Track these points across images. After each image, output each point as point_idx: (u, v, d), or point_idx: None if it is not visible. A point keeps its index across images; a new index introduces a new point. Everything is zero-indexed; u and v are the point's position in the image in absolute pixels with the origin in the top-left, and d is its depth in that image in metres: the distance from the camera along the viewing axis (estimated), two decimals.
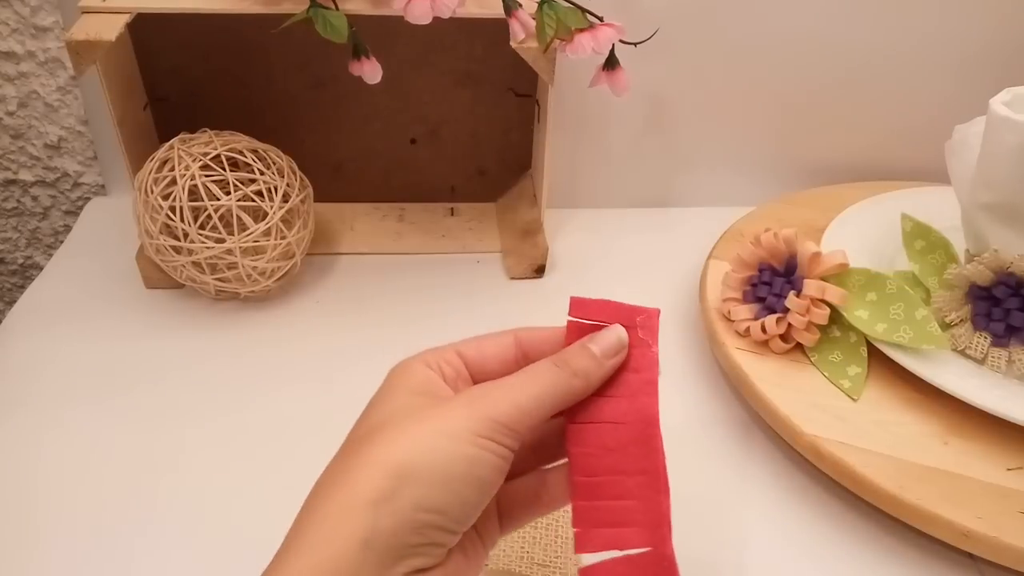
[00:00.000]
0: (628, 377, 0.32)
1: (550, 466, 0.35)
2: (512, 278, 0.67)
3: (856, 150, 0.77)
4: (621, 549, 0.31)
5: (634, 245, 0.73)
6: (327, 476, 0.30)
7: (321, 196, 0.64)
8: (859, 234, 0.62)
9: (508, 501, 0.34)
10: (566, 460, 0.33)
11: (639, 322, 0.33)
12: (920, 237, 0.60)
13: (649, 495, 0.31)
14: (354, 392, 0.56)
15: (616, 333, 0.32)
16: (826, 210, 0.66)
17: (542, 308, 0.65)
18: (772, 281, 0.55)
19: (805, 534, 0.48)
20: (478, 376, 0.33)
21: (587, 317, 0.33)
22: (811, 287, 0.52)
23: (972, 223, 0.55)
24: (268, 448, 0.52)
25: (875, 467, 0.46)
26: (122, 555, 0.46)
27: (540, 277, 0.68)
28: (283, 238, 0.58)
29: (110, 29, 0.53)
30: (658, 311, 0.33)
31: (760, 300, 0.55)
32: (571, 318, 0.33)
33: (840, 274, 0.53)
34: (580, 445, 0.32)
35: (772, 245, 0.55)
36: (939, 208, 0.62)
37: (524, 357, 0.33)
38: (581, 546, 0.31)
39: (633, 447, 0.32)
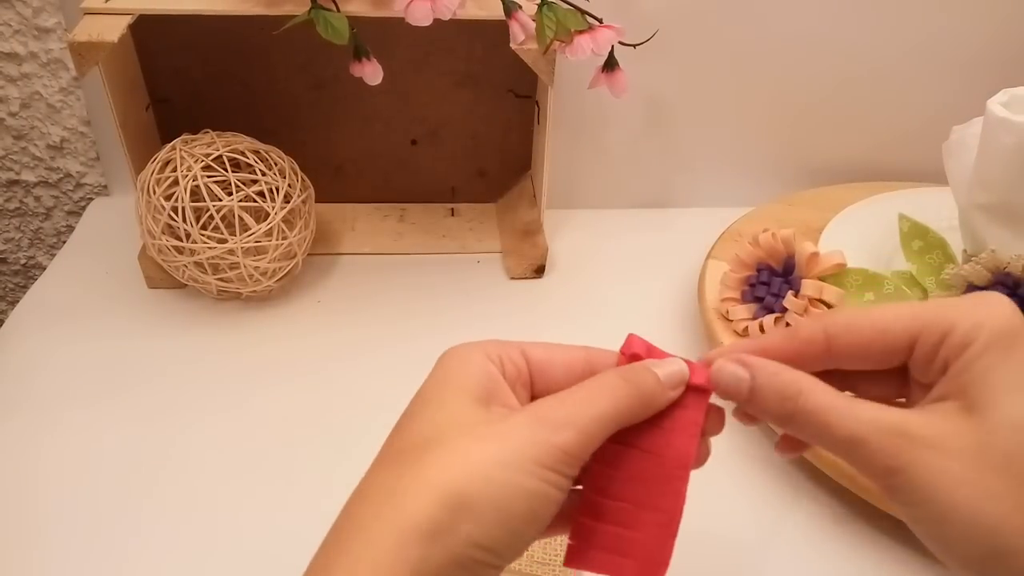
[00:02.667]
0: (674, 411, 0.31)
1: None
2: (512, 278, 0.68)
3: (854, 151, 0.77)
4: None
5: (633, 245, 0.73)
6: (375, 490, 0.28)
7: (322, 196, 0.65)
8: (857, 234, 0.63)
9: None
10: None
11: (695, 366, 0.31)
12: (917, 237, 0.60)
13: (657, 534, 0.30)
14: (355, 391, 0.57)
15: (679, 364, 0.31)
16: (824, 210, 0.66)
17: (542, 308, 0.65)
18: (770, 281, 0.55)
19: (802, 532, 0.48)
20: (539, 381, 0.32)
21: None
22: (809, 287, 0.52)
23: (969, 223, 0.55)
24: (270, 447, 0.53)
25: None
26: (125, 554, 0.46)
27: (540, 277, 0.68)
28: (284, 238, 0.58)
29: (112, 30, 0.53)
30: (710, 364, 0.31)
31: (758, 300, 0.56)
32: (624, 354, 0.32)
33: (838, 274, 0.54)
34: (603, 463, 0.31)
35: (770, 245, 0.55)
36: (936, 208, 0.62)
37: (591, 375, 0.32)
38: (571, 561, 0.31)
39: (657, 482, 0.30)
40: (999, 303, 0.27)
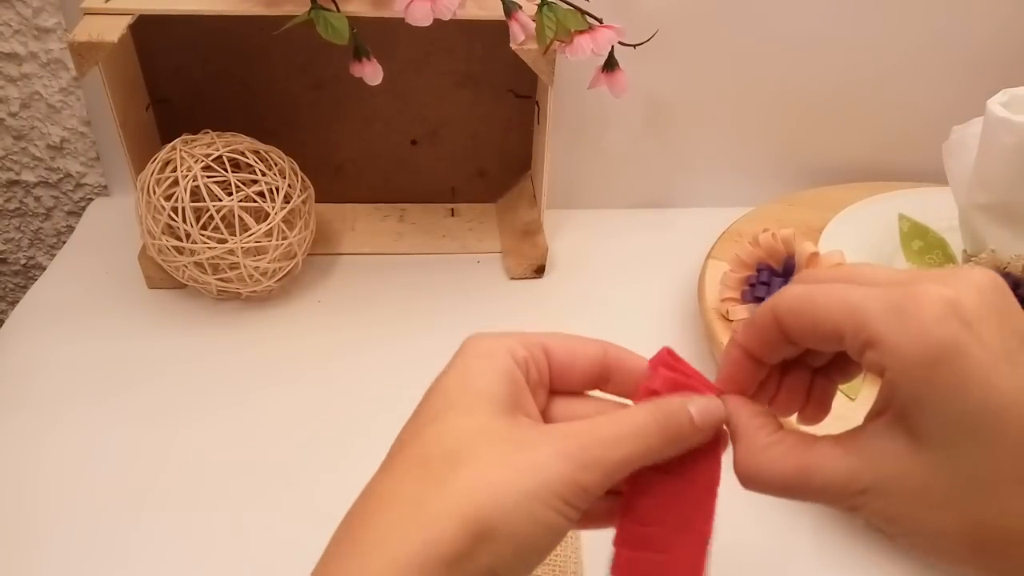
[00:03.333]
0: (700, 453, 0.31)
1: None
2: (512, 278, 0.68)
3: (854, 151, 0.77)
4: None
5: (633, 245, 0.73)
6: (398, 500, 0.27)
7: (322, 197, 0.65)
8: (857, 234, 0.63)
9: None
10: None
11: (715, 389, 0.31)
12: (917, 237, 0.60)
13: (693, 555, 0.30)
14: (356, 391, 0.57)
15: (714, 404, 0.30)
16: (824, 210, 0.66)
17: (542, 308, 0.65)
18: (770, 281, 0.55)
19: (802, 533, 0.48)
20: (558, 379, 0.31)
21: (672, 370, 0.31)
22: None
23: (969, 223, 0.55)
24: (269, 447, 0.53)
25: None
26: (125, 554, 0.46)
27: (540, 277, 0.68)
28: (284, 238, 0.58)
29: (112, 30, 0.53)
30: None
31: (758, 300, 0.56)
32: (660, 368, 0.31)
33: None
34: (638, 492, 0.31)
35: (770, 245, 0.55)
36: (936, 208, 0.63)
37: (606, 375, 0.32)
38: None
39: (690, 505, 0.31)
40: (921, 313, 0.24)
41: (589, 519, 0.31)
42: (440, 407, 0.29)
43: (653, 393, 0.30)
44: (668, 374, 0.31)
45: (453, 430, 0.28)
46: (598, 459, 0.27)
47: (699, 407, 0.29)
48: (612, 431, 0.28)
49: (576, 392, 0.32)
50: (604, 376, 0.32)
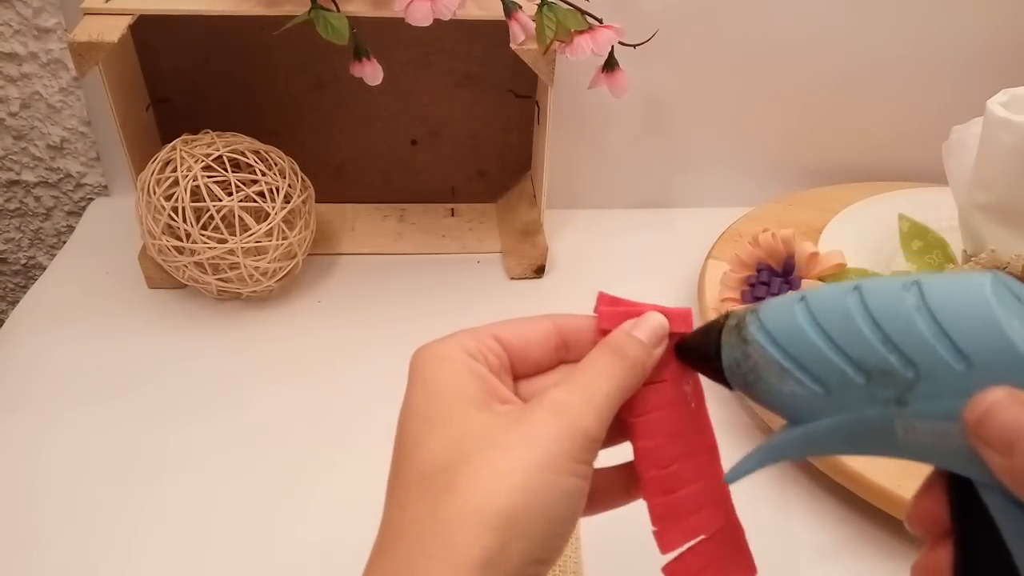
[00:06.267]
0: (667, 357, 0.31)
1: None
2: (512, 278, 0.68)
3: (854, 151, 0.77)
4: (704, 534, 0.30)
5: (633, 245, 0.73)
6: (414, 527, 0.26)
7: (322, 197, 0.65)
8: (857, 234, 0.63)
9: None
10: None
11: (669, 313, 0.31)
12: (917, 237, 0.60)
13: (711, 472, 0.31)
14: (356, 391, 0.57)
15: (657, 319, 0.31)
16: (824, 211, 0.66)
17: (542, 308, 0.64)
18: (770, 281, 0.55)
19: (804, 532, 0.48)
20: (519, 364, 0.31)
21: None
22: (809, 287, 0.52)
23: (969, 223, 0.55)
24: (270, 447, 0.52)
25: (874, 466, 0.47)
26: (125, 554, 0.46)
27: (540, 277, 0.68)
28: (285, 238, 0.58)
29: (112, 31, 0.53)
30: (690, 310, 0.32)
31: (758, 300, 0.56)
32: (604, 308, 0.32)
33: (837, 274, 0.54)
34: (648, 438, 0.30)
35: (770, 245, 0.55)
36: (936, 209, 0.63)
37: (564, 346, 0.32)
38: (666, 544, 0.30)
39: (691, 428, 0.31)
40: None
41: (603, 497, 0.31)
42: (419, 427, 0.28)
43: (605, 334, 0.31)
44: (609, 310, 0.31)
45: (439, 445, 0.27)
46: (585, 403, 0.28)
47: (644, 331, 0.30)
48: (584, 378, 0.29)
49: (540, 373, 0.32)
50: (562, 346, 0.32)
